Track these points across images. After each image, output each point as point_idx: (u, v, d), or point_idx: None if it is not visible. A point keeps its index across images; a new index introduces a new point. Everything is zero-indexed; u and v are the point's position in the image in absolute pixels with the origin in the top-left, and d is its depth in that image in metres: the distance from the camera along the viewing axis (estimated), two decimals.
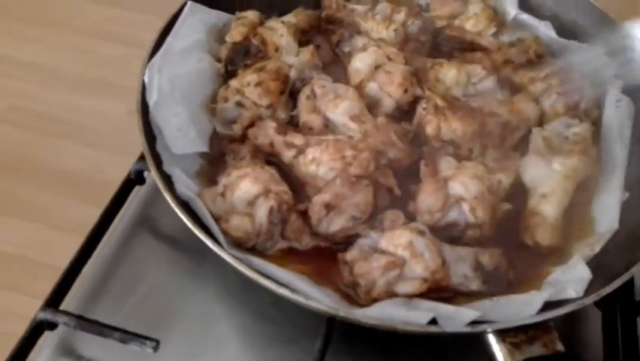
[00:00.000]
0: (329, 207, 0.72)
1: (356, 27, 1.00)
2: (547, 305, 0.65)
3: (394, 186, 0.77)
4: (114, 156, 0.95)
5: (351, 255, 0.70)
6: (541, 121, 0.87)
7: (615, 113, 0.86)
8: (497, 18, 1.00)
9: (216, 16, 0.95)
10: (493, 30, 0.99)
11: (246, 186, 0.72)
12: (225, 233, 0.69)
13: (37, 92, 1.11)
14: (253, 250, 0.71)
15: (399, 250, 0.68)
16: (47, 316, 0.72)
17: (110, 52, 1.16)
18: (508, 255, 0.72)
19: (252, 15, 0.94)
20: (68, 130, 1.04)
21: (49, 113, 1.06)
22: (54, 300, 0.74)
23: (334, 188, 0.73)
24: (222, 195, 0.72)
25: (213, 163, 0.81)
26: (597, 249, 0.73)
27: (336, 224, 0.72)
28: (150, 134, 0.75)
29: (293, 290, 0.62)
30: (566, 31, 1.01)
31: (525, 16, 1.02)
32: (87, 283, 0.80)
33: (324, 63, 0.94)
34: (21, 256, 0.86)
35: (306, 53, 0.91)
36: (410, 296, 0.66)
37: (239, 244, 0.70)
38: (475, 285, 0.69)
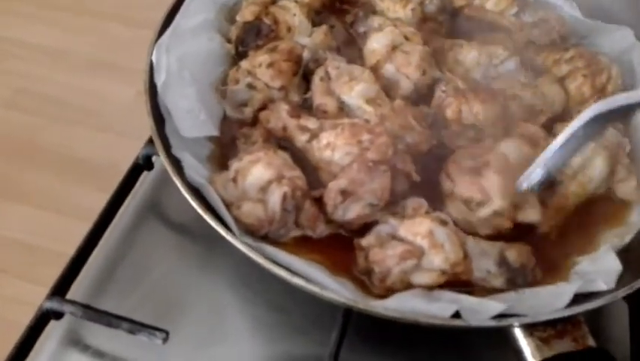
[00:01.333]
0: (345, 193, 0.69)
1: (371, 6, 0.96)
2: (576, 298, 0.62)
3: (413, 171, 0.74)
4: (124, 140, 0.93)
5: (367, 240, 0.67)
6: (567, 104, 0.83)
7: None
8: None
9: None
10: (514, 10, 0.95)
11: (259, 171, 0.68)
12: (237, 220, 0.66)
13: (46, 74, 1.09)
14: (266, 238, 0.68)
15: (417, 239, 0.64)
16: (53, 305, 0.70)
17: (122, 34, 1.14)
18: (531, 243, 0.69)
19: None
20: (78, 114, 1.02)
21: (58, 97, 1.04)
22: (60, 289, 0.72)
23: (350, 173, 0.70)
24: (234, 180, 0.69)
25: (224, 148, 0.78)
26: (627, 239, 0.70)
27: (352, 211, 0.69)
28: (159, 116, 0.72)
29: (308, 280, 0.60)
30: (591, 10, 0.96)
31: None
32: (94, 272, 0.78)
33: (339, 44, 0.91)
34: (27, 243, 0.84)
35: (320, 33, 0.88)
36: (430, 287, 0.63)
37: (251, 232, 0.67)
38: (498, 282, 0.65)
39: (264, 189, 0.68)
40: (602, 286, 0.63)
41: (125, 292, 0.77)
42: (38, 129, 1.00)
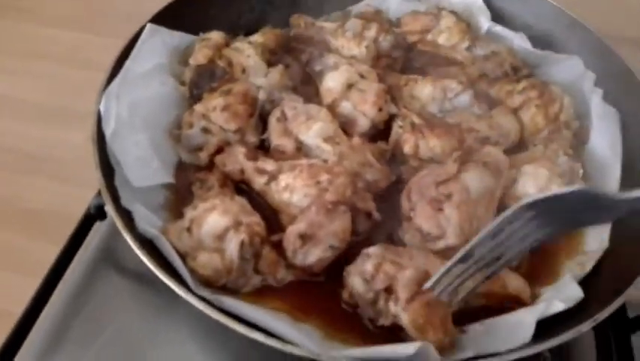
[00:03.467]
0: (305, 237, 0.67)
1: (326, 45, 0.97)
2: (542, 327, 0.61)
3: (373, 210, 0.73)
4: (78, 188, 0.89)
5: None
6: (522, 134, 0.84)
7: (604, 126, 0.83)
8: (470, 31, 0.98)
9: (178, 37, 0.90)
10: (466, 44, 0.96)
11: (214, 219, 0.66)
12: (193, 271, 0.64)
13: None
14: (225, 289, 0.65)
15: None
16: None
17: (77, 78, 1.11)
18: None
19: (216, 36, 0.90)
20: (27, 163, 0.98)
21: (6, 146, 1.00)
22: (7, 352, 0.68)
23: (310, 216, 0.68)
24: (188, 230, 0.67)
25: (180, 194, 0.75)
26: (588, 268, 0.70)
27: (313, 255, 0.67)
28: (108, 167, 0.70)
29: (268, 334, 0.57)
30: (541, 41, 0.99)
31: (499, 28, 1.00)
32: (45, 331, 0.74)
33: (295, 83, 0.91)
34: None
35: (275, 73, 0.87)
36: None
37: (208, 283, 0.65)
38: None
39: (221, 237, 0.66)
40: (559, 306, 0.63)
41: (79, 350, 0.73)
42: None
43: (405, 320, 0.58)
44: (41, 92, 1.10)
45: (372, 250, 0.64)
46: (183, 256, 0.65)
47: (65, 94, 1.09)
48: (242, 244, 0.65)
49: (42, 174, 0.96)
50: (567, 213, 0.56)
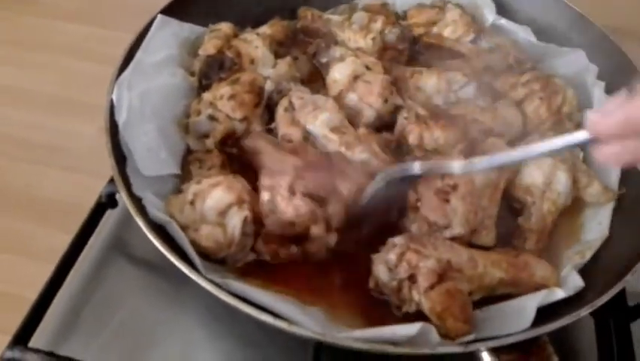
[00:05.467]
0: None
1: (333, 37, 0.98)
2: (542, 315, 0.63)
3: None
4: (89, 178, 0.91)
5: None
6: (525, 127, 0.85)
7: None
8: (475, 24, 0.99)
9: (188, 29, 0.91)
10: (471, 36, 0.98)
11: (219, 194, 0.68)
12: (194, 243, 0.66)
13: (7, 114, 1.06)
14: (224, 263, 0.68)
15: None
16: (15, 355, 0.67)
17: (83, 70, 1.12)
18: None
19: (225, 27, 0.92)
20: (41, 153, 0.99)
21: (20, 136, 1.01)
22: (23, 336, 0.70)
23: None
24: (192, 203, 0.68)
25: (186, 182, 0.77)
26: (588, 256, 0.72)
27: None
28: (120, 155, 0.71)
29: (276, 315, 0.59)
30: (544, 34, 1.00)
31: (503, 22, 1.01)
32: (58, 316, 0.75)
33: (302, 75, 0.92)
34: None
35: (283, 64, 0.89)
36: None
37: (208, 255, 0.67)
38: None
39: (224, 212, 0.68)
40: (560, 294, 0.64)
41: (91, 335, 0.75)
42: (0, 170, 0.97)
43: (425, 307, 0.60)
44: (51, 84, 1.11)
45: (397, 239, 0.66)
46: (184, 228, 0.67)
47: (75, 86, 1.10)
48: (245, 220, 0.67)
49: (53, 165, 0.98)
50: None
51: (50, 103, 1.08)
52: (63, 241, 0.79)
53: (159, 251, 0.64)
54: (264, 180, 0.70)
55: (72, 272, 0.78)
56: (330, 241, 0.69)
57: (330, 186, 0.69)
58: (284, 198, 0.68)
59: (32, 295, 0.74)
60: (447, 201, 0.70)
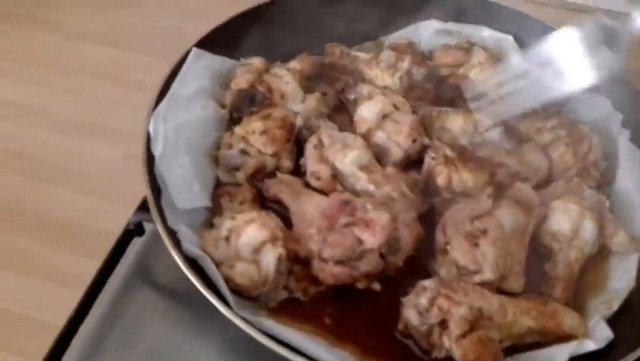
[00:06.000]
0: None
1: (360, 74, 1.00)
2: None
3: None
4: (109, 204, 0.92)
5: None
6: (551, 172, 0.86)
7: (630, 165, 0.85)
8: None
9: (220, 61, 0.93)
10: None
11: (253, 231, 0.69)
12: (228, 279, 0.66)
13: (30, 134, 1.07)
14: (257, 300, 0.68)
15: None
16: None
17: (106, 94, 1.13)
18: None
19: (257, 62, 0.93)
20: (60, 176, 1.00)
21: (41, 158, 1.02)
22: None
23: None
24: (226, 239, 0.69)
25: (217, 215, 0.78)
26: (615, 307, 0.72)
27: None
28: (156, 187, 0.72)
29: (307, 357, 0.59)
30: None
31: (528, 65, 1.02)
32: (84, 342, 0.75)
33: (329, 110, 0.93)
34: (9, 312, 0.81)
35: (313, 100, 0.90)
36: None
37: (243, 293, 0.67)
38: None
39: (258, 249, 0.68)
40: (590, 345, 0.64)
41: None
42: (20, 191, 0.97)
43: (457, 355, 0.60)
44: (69, 106, 1.11)
45: (427, 283, 0.66)
46: (218, 264, 0.67)
47: (92, 109, 1.10)
48: (279, 258, 0.67)
49: (70, 187, 0.97)
50: None
51: (72, 126, 1.07)
52: (82, 265, 0.79)
53: (184, 281, 0.64)
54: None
55: (97, 299, 0.78)
56: (375, 287, 0.69)
57: (356, 243, 0.69)
58: (319, 270, 0.69)
59: (55, 320, 0.73)
60: (477, 245, 0.70)
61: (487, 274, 0.68)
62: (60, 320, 0.73)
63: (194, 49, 0.89)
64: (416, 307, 0.64)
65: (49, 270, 0.86)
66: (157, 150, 0.74)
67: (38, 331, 0.77)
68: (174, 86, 0.83)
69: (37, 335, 0.74)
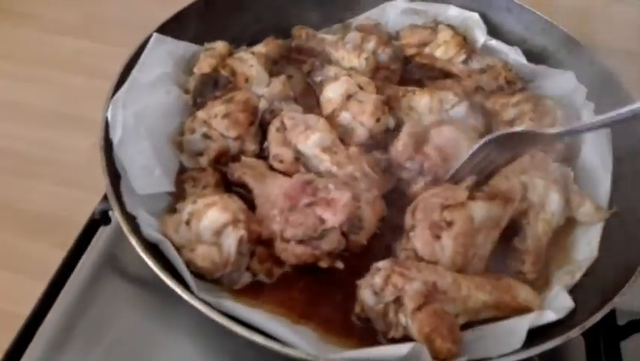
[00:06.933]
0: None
1: (327, 56, 0.99)
2: (532, 336, 0.63)
3: None
4: (83, 193, 0.91)
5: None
6: None
7: (594, 140, 0.85)
8: (467, 45, 1.00)
9: (183, 47, 0.92)
10: (463, 57, 0.99)
11: (214, 214, 0.69)
12: (190, 263, 0.66)
13: (1, 127, 1.06)
14: (220, 283, 0.68)
15: None
16: None
17: (78, 84, 1.12)
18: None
19: (220, 46, 0.93)
20: (34, 167, 0.99)
21: (13, 150, 1.01)
22: (14, 354, 0.70)
23: None
24: (187, 223, 0.69)
25: (180, 200, 0.77)
26: (577, 277, 0.73)
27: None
28: (114, 173, 0.72)
29: (267, 336, 0.59)
30: (535, 55, 1.01)
31: (494, 43, 1.03)
32: (50, 333, 0.75)
33: (296, 93, 0.93)
34: None
35: (278, 83, 0.90)
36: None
37: (205, 275, 0.67)
38: None
39: (219, 232, 0.68)
40: (551, 316, 0.65)
41: (84, 352, 0.75)
42: None
43: (413, 329, 0.60)
44: (44, 98, 1.11)
45: (381, 263, 0.66)
46: (179, 248, 0.67)
47: (68, 100, 1.10)
48: (240, 239, 0.67)
49: (44, 179, 0.97)
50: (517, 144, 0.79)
51: (42, 118, 1.07)
52: (53, 256, 0.78)
53: (152, 269, 0.64)
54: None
55: (64, 289, 0.78)
56: (338, 266, 0.70)
57: (318, 222, 0.69)
58: (281, 250, 0.69)
59: (23, 311, 0.73)
60: (438, 237, 0.69)
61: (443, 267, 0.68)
62: (27, 311, 0.73)
63: (154, 34, 0.88)
64: (371, 288, 0.64)
65: (21, 262, 0.86)
66: (116, 136, 0.74)
67: (6, 322, 0.76)
68: (134, 72, 0.82)
69: (5, 327, 0.73)
